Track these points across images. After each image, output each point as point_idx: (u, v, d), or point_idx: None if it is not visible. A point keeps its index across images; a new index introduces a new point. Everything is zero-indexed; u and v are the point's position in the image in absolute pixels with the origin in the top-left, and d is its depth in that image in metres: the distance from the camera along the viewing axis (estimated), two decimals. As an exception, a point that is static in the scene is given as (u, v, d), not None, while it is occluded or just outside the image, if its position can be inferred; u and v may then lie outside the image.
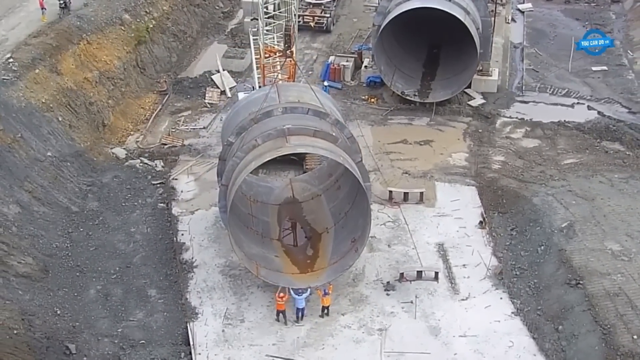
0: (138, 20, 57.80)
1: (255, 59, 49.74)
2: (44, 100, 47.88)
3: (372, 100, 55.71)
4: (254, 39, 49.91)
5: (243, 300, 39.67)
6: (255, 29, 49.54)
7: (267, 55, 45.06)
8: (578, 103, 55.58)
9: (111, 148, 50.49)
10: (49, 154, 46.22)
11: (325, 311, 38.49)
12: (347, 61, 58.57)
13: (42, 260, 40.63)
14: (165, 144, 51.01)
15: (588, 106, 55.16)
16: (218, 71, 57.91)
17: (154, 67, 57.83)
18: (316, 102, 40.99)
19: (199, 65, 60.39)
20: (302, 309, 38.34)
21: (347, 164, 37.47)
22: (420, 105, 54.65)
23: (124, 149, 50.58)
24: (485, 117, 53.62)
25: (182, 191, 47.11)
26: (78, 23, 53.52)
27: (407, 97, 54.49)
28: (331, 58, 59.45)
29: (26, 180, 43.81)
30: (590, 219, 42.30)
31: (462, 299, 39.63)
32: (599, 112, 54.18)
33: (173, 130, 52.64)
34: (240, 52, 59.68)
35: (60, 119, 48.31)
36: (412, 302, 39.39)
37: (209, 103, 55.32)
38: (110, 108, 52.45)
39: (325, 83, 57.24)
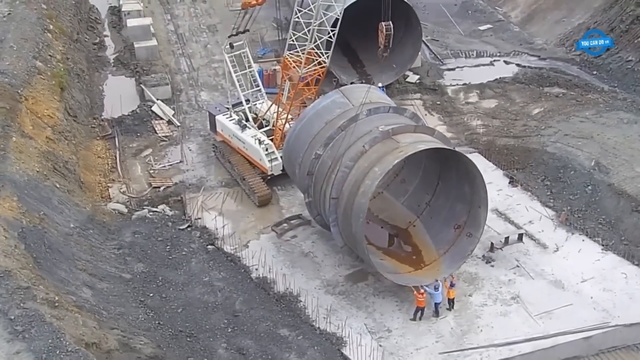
0: (48, 65, 51.83)
1: (236, 73, 47.58)
2: (37, 170, 42.00)
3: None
4: (229, 57, 47.47)
5: (372, 311, 38.77)
6: (228, 46, 47.47)
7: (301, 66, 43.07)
8: (494, 60, 60.09)
9: (104, 205, 45.52)
10: (71, 225, 40.89)
11: (452, 304, 38.68)
12: (273, 65, 57.53)
13: (148, 337, 36.34)
14: (158, 187, 47.03)
15: (504, 61, 59.87)
16: (153, 102, 54.03)
17: (81, 112, 52.41)
18: (382, 100, 40.87)
19: (115, 101, 55.43)
20: (439, 303, 38.42)
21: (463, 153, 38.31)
22: (367, 91, 55.49)
23: (119, 203, 45.83)
24: (433, 90, 56.05)
25: (217, 228, 44.07)
26: (6, 79, 46.91)
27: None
28: (255, 66, 57.76)
29: (75, 258, 38.57)
30: (605, 153, 46.64)
31: (554, 251, 42.10)
32: (517, 65, 59.11)
33: (152, 171, 48.56)
34: (162, 78, 56.03)
35: (58, 186, 42.68)
36: (518, 266, 41.10)
37: (164, 136, 51.57)
38: (76, 164, 47.01)
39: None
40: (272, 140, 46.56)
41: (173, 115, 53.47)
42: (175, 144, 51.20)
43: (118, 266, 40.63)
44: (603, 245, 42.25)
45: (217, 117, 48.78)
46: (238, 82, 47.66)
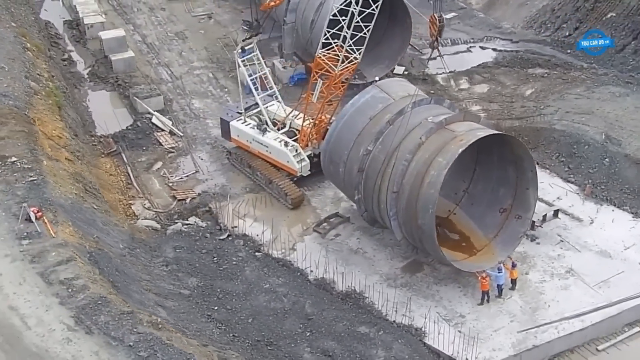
0: (40, 84, 49.64)
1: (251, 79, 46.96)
2: (75, 192, 40.47)
3: (316, 95, 55.43)
4: (242, 60, 46.73)
5: (439, 299, 39.33)
6: (239, 50, 46.77)
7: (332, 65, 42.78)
8: (470, 47, 61.48)
9: (134, 222, 44.16)
10: (121, 246, 39.60)
11: (514, 284, 39.47)
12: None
13: (235, 350, 35.68)
14: (183, 199, 45.97)
15: (480, 47, 61.40)
16: (150, 114, 52.58)
17: (78, 130, 50.45)
18: (415, 91, 41.44)
19: (106, 116, 53.56)
20: (502, 285, 39.24)
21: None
22: (355, 86, 55.65)
23: (149, 219, 44.54)
24: (423, 80, 56.77)
25: (257, 235, 43.53)
26: (11, 102, 44.79)
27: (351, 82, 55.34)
28: (242, 69, 57.00)
29: (138, 280, 37.40)
30: (611, 126, 48.67)
31: (590, 223, 43.75)
32: (493, 49, 60.75)
33: (171, 184, 47.37)
34: (152, 89, 54.56)
35: (95, 207, 41.23)
36: (562, 240, 42.48)
37: (170, 147, 50.32)
38: (96, 184, 45.37)
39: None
40: (295, 141, 46.24)
41: (172, 126, 52.15)
42: (184, 155, 50.07)
43: (173, 283, 39.56)
44: (632, 213, 44.18)
45: (231, 123, 48.01)
46: (253, 85, 47.03)
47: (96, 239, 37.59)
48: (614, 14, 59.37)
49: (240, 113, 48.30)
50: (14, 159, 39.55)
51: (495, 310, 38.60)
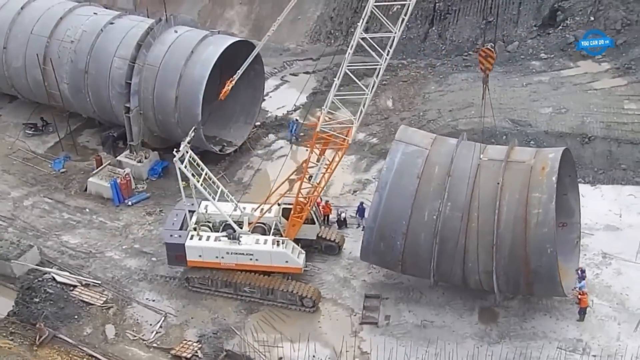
0: None
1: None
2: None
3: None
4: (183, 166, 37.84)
5: (544, 334, 37.45)
6: (179, 157, 37.92)
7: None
8: (283, 77, 57.51)
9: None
10: None
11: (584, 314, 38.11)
12: (117, 172, 46.77)
13: None
14: (194, 355, 36.73)
15: (291, 74, 57.60)
16: (47, 273, 40.37)
17: None
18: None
19: None
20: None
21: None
22: (227, 155, 49.41)
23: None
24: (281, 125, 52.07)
25: (314, 356, 36.81)
26: None
27: (225, 152, 48.89)
28: (92, 179, 46.49)
29: None
30: (502, 111, 49.55)
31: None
32: (305, 73, 57.23)
33: (157, 345, 37.31)
34: (19, 244, 41.43)
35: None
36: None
37: (103, 304, 39.38)
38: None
39: (130, 202, 45.83)
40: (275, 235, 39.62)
41: (76, 275, 40.79)
42: (127, 304, 39.54)
43: None
44: (588, 183, 45.50)
45: (186, 244, 39.01)
46: (205, 189, 38.76)
47: None
48: (400, 6, 59.76)
49: (182, 228, 39.66)
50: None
51: (597, 322, 37.67)
